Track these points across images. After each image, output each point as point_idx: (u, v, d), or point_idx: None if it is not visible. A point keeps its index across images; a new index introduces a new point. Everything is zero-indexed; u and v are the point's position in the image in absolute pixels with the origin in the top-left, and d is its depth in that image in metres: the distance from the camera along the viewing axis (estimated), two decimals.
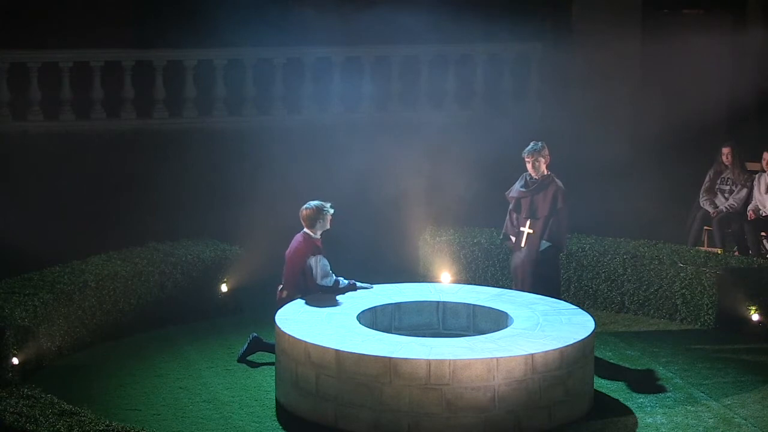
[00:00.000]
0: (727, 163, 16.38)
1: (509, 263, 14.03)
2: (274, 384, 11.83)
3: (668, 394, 12.03)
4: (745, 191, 16.16)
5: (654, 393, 12.03)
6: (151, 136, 17.62)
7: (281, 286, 12.57)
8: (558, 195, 13.11)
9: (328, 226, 12.56)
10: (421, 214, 16.08)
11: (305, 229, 12.48)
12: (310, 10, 17.84)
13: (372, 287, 12.75)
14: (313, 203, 12.52)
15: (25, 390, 10.62)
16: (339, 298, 12.38)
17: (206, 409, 11.54)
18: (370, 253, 15.50)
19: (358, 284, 12.72)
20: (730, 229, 16.12)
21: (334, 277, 12.53)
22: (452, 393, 10.70)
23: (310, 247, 12.40)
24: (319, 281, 12.43)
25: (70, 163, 16.98)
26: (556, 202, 13.10)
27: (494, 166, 15.94)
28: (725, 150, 16.39)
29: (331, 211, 12.55)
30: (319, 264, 12.42)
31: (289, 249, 12.55)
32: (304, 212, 12.50)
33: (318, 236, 12.48)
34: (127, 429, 9.87)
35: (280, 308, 12.20)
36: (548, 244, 13.09)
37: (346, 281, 12.63)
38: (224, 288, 14.43)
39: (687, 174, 17.63)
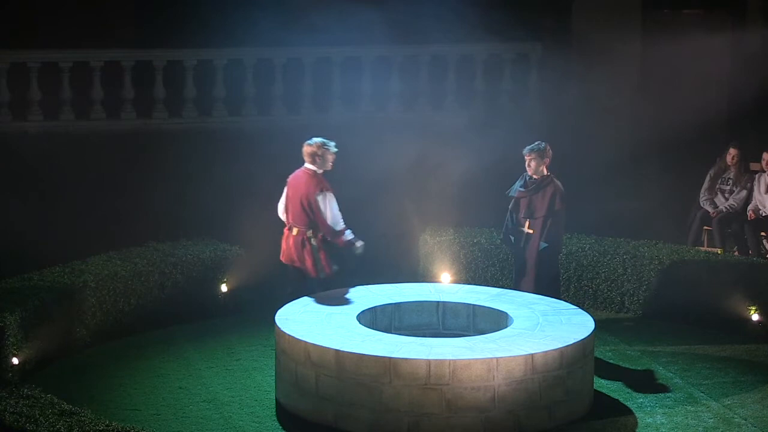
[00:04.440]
0: (731, 164, 16.36)
1: (509, 263, 14.01)
2: (274, 384, 11.83)
3: (668, 394, 12.02)
4: (744, 192, 16.15)
5: (654, 393, 12.03)
6: (151, 136, 17.60)
7: (289, 230, 12.53)
8: (556, 195, 13.10)
9: (329, 167, 12.54)
10: (420, 214, 16.07)
11: (306, 164, 12.48)
12: (310, 9, 17.82)
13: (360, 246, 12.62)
14: (316, 139, 12.52)
15: (25, 390, 10.63)
16: (339, 298, 12.37)
17: (206, 409, 11.54)
18: (370, 252, 15.47)
19: (357, 243, 12.56)
20: (730, 229, 16.11)
21: (343, 224, 12.46)
22: (452, 393, 10.70)
23: (318, 183, 12.40)
24: (329, 221, 12.38)
25: (70, 163, 16.96)
26: (553, 203, 13.08)
27: (494, 166, 15.92)
28: (733, 151, 16.34)
29: (334, 150, 12.49)
30: (329, 204, 12.39)
31: (290, 185, 12.50)
32: (306, 148, 12.51)
33: (321, 173, 12.46)
34: (127, 429, 9.87)
35: (289, 252, 12.27)
36: (546, 244, 13.09)
37: (352, 236, 12.53)
38: (224, 288, 14.43)
39: (687, 174, 17.62)
